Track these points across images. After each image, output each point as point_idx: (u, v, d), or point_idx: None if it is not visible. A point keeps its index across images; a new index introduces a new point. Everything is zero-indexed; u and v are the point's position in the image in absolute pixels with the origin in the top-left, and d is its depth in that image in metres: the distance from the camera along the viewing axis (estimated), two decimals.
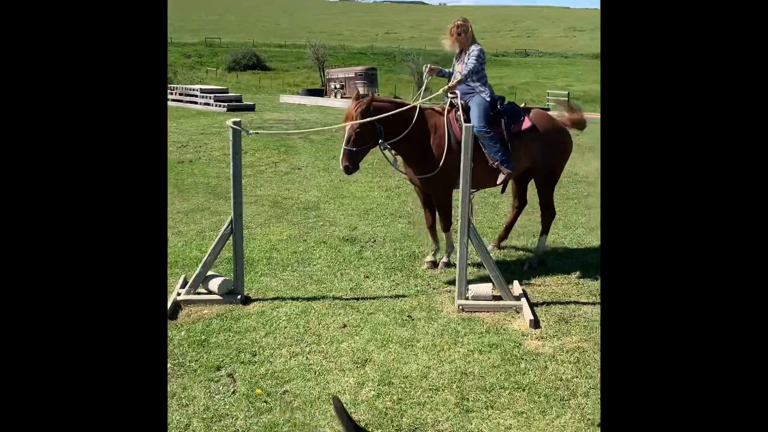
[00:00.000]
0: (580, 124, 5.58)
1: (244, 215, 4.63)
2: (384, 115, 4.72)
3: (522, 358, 3.67)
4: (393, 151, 5.08)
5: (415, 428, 2.97)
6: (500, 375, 3.46)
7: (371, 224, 6.61)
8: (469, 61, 4.96)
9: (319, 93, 32.97)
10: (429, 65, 5.18)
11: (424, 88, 5.19)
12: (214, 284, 4.49)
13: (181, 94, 20.67)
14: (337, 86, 33.06)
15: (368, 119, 4.66)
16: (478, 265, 5.15)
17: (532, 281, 4.98)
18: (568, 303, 4.54)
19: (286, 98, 27.62)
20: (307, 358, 3.64)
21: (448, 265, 5.23)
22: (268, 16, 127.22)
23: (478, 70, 4.98)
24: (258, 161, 10.02)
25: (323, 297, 4.58)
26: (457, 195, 4.61)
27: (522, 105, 5.46)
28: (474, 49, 4.98)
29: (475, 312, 4.35)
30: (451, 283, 4.78)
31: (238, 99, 19.65)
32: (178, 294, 4.48)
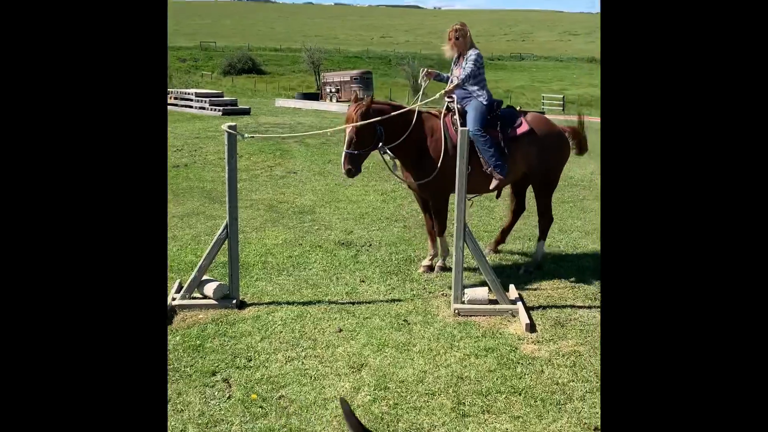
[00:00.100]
0: (581, 148, 5.53)
1: (239, 219, 4.62)
2: (384, 117, 4.72)
3: (518, 362, 3.66)
4: (392, 156, 5.08)
5: None
6: (496, 379, 3.46)
7: (367, 228, 6.60)
8: (467, 65, 4.96)
9: (315, 97, 32.95)
10: (426, 69, 5.18)
11: (422, 91, 5.18)
12: (210, 289, 4.48)
13: (176, 98, 20.64)
14: (333, 90, 33.06)
15: (369, 121, 4.64)
16: (474, 270, 5.15)
17: (528, 285, 4.97)
18: (564, 307, 4.54)
19: (281, 102, 27.61)
20: (302, 362, 3.63)
21: (444, 269, 5.22)
22: (263, 20, 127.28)
23: (476, 74, 4.98)
24: (253, 165, 10.00)
25: (319, 301, 4.57)
26: (453, 198, 4.61)
27: (518, 108, 5.47)
28: (471, 54, 4.99)
29: (471, 316, 4.34)
30: (447, 287, 4.77)
31: (234, 103, 19.62)
32: (173, 299, 4.46)
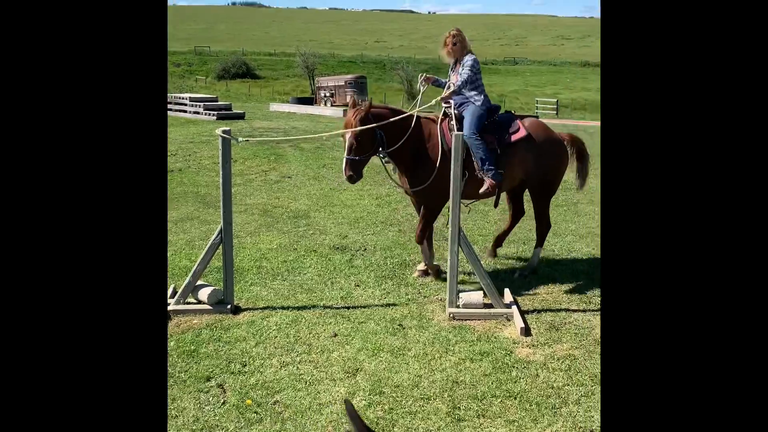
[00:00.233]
0: (581, 155, 5.52)
1: (233, 224, 4.62)
2: (383, 122, 4.71)
3: (513, 366, 3.66)
4: (387, 160, 5.07)
5: None
6: (492, 383, 3.46)
7: (362, 233, 6.60)
8: (463, 71, 4.98)
9: (309, 101, 32.93)
10: (424, 75, 5.18)
11: (420, 97, 5.18)
12: (204, 294, 4.47)
13: (170, 103, 20.61)
14: (327, 94, 33.08)
15: (366, 126, 4.64)
16: (469, 274, 5.16)
17: (523, 289, 4.98)
18: (559, 310, 4.55)
19: (276, 106, 27.60)
20: (297, 367, 3.62)
21: (426, 273, 5.20)
22: (257, 25, 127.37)
23: (473, 79, 4.99)
24: (248, 170, 9.99)
25: (314, 306, 4.56)
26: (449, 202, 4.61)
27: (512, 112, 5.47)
28: (468, 59, 5.00)
29: (466, 320, 4.34)
30: (442, 291, 4.77)
31: (228, 107, 19.60)
32: (168, 304, 4.44)
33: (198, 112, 18.81)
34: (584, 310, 4.55)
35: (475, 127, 4.90)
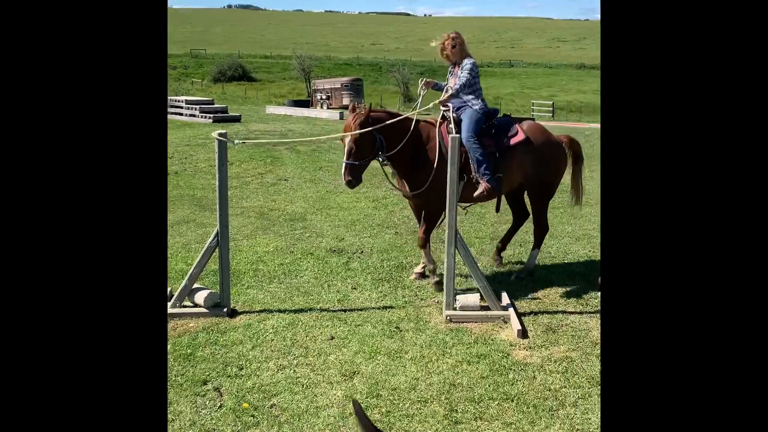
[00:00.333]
0: (577, 157, 5.53)
1: (230, 227, 4.61)
2: (382, 124, 4.70)
3: (510, 369, 3.66)
4: (386, 163, 5.06)
5: None
6: (489, 386, 3.46)
7: (358, 235, 6.60)
8: (462, 74, 4.98)
9: (305, 104, 33.01)
10: (425, 79, 5.19)
11: (419, 100, 5.17)
12: (200, 297, 4.46)
13: None
14: (323, 97, 33.12)
15: (364, 130, 4.63)
16: (466, 277, 5.16)
17: (519, 291, 4.98)
18: (556, 312, 4.55)
19: (272, 109, 27.59)
20: (294, 371, 3.61)
21: (423, 276, 5.20)
22: (253, 28, 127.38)
23: (471, 83, 4.99)
24: (244, 172, 9.99)
25: (310, 309, 4.56)
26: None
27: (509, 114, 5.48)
28: (467, 63, 5.01)
29: (462, 322, 4.34)
30: (439, 293, 4.77)
31: (224, 110, 19.58)
32: None
33: (194, 115, 18.79)
34: (581, 312, 4.55)
35: (473, 131, 4.90)
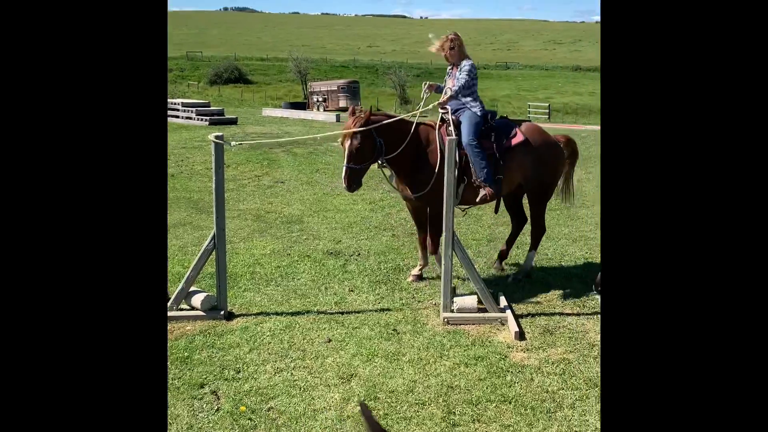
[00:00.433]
0: (573, 157, 5.54)
1: (226, 230, 4.60)
2: (380, 124, 4.69)
3: (508, 371, 3.66)
4: (384, 166, 5.06)
5: None
6: (486, 388, 3.45)
7: (355, 237, 6.59)
8: (460, 76, 4.98)
9: (302, 106, 32.99)
10: (428, 82, 5.18)
11: (422, 104, 5.16)
12: (197, 300, 4.45)
13: None
14: (320, 99, 33.13)
15: (362, 128, 4.62)
16: (463, 279, 5.16)
17: (517, 293, 4.98)
18: (553, 314, 4.55)
19: (268, 111, 27.55)
20: (291, 373, 3.61)
21: (420, 278, 5.22)
22: (249, 30, 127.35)
23: (469, 85, 4.99)
24: (241, 175, 9.97)
25: (307, 311, 4.55)
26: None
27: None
28: (465, 65, 5.00)
29: (460, 325, 4.34)
30: (436, 295, 4.77)
31: (220, 113, 19.53)
32: None
33: (190, 118, 18.74)
34: (578, 314, 4.55)
35: (474, 134, 4.90)
